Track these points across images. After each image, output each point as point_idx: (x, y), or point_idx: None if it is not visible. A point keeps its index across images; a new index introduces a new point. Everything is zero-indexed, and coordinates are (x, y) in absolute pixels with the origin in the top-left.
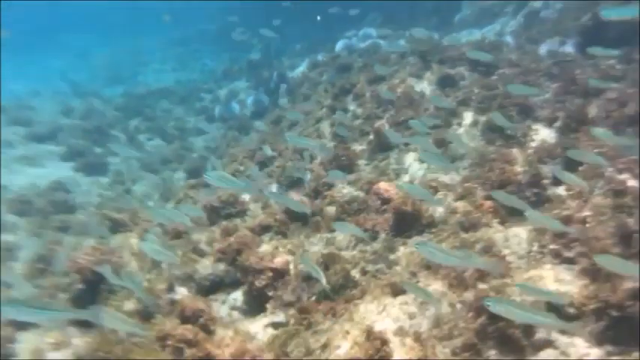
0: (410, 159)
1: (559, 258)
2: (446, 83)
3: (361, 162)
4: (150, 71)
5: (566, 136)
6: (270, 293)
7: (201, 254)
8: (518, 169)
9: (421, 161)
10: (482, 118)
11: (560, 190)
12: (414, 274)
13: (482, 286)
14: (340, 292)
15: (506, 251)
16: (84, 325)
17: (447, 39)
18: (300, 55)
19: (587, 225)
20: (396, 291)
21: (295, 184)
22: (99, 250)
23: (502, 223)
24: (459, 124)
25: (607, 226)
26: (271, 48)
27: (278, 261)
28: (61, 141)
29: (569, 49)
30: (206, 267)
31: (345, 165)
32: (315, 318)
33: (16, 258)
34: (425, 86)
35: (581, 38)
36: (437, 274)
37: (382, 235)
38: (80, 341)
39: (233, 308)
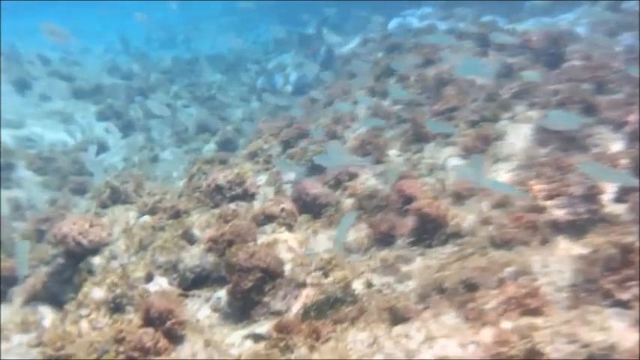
0: (447, 153)
1: (610, 299)
2: (502, 72)
3: (392, 152)
4: (203, 37)
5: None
6: (257, 298)
7: (192, 241)
8: (572, 177)
9: (461, 157)
10: (536, 114)
11: (621, 209)
12: (423, 298)
13: (505, 324)
14: (335, 307)
15: (543, 280)
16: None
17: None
18: (355, 32)
19: None
20: (396, 318)
21: (316, 169)
22: (87, 221)
23: (543, 242)
24: (511, 119)
25: None
26: (327, 23)
27: (269, 259)
28: (100, 99)
29: None
30: (194, 256)
31: (371, 154)
32: (294, 340)
33: (24, 218)
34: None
35: None
36: (452, 299)
37: (398, 241)
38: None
39: (216, 309)
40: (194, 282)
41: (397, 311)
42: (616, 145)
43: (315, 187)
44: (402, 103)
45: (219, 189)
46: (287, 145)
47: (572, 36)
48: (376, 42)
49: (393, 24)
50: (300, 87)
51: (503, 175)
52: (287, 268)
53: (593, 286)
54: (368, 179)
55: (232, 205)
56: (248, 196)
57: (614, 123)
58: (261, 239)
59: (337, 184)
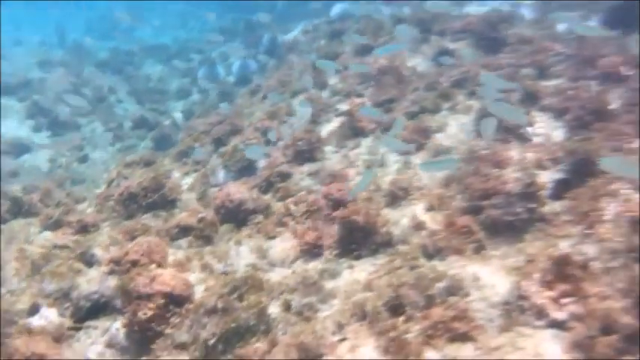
0: (385, 148)
1: (544, 319)
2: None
3: (328, 148)
4: (147, 27)
5: (577, 132)
6: (160, 328)
7: (92, 262)
8: (511, 174)
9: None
10: (477, 104)
11: (560, 207)
12: (341, 327)
13: (430, 354)
14: (245, 339)
15: (475, 295)
16: None
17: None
18: (305, 18)
19: (588, 271)
20: (308, 355)
21: (246, 170)
22: None
23: (478, 250)
24: (452, 109)
25: (616, 278)
26: (277, 10)
27: (174, 283)
28: (26, 96)
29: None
30: (91, 281)
31: (305, 151)
32: None
33: None
34: (419, 61)
35: (608, 14)
36: (373, 327)
37: (326, 253)
38: None
39: (110, 345)
40: (90, 311)
41: (309, 348)
42: (557, 133)
43: (240, 192)
44: (340, 94)
45: (132, 197)
46: (219, 143)
47: (515, 19)
48: (319, 30)
49: (336, 9)
50: (243, 77)
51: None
52: (198, 290)
53: (526, 304)
54: (302, 179)
55: (148, 215)
56: (168, 204)
57: (555, 110)
58: (174, 256)
59: (269, 185)
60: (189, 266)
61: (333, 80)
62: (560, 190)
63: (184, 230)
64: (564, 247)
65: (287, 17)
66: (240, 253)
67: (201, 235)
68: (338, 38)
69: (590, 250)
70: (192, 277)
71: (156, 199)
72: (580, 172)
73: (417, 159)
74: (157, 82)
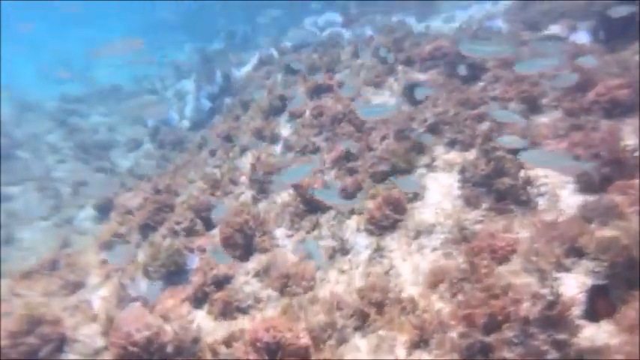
0: (351, 227)
1: None
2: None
3: (280, 232)
4: (103, 65)
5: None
6: None
7: None
8: (522, 279)
9: (370, 233)
10: (459, 158)
11: (602, 333)
12: None
13: None
14: None
15: None
16: None
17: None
18: (262, 46)
19: None
20: None
21: (175, 275)
22: None
23: None
24: (429, 167)
25: None
26: (237, 36)
27: None
28: None
29: (582, 37)
30: None
31: (241, 245)
32: None
33: None
34: (386, 99)
35: (599, 22)
36: None
37: None
38: None
39: None
40: None
41: None
42: (567, 193)
43: (143, 329)
44: (294, 150)
45: None
46: (147, 229)
47: (490, 34)
48: (273, 62)
49: (292, 37)
50: (199, 121)
51: (429, 255)
52: None
53: None
54: (247, 283)
55: None
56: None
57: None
58: None
59: (204, 296)
60: None
61: (285, 130)
62: (597, 304)
63: None
64: None
65: (251, 43)
66: None
67: None
68: (292, 73)
69: None
70: None
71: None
72: (619, 276)
73: (393, 242)
74: (107, 131)
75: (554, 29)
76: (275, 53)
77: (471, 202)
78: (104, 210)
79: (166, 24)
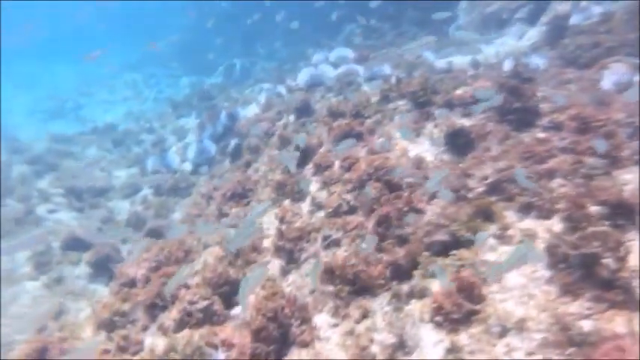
0: (414, 318)
1: None
2: (460, 143)
3: (321, 319)
4: (95, 103)
5: None
6: None
7: None
8: None
9: (438, 326)
10: (540, 227)
11: None
12: None
13: None
14: None
15: None
16: None
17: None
18: (266, 80)
19: None
20: None
21: None
22: None
23: None
24: (500, 238)
25: None
26: (236, 69)
27: None
28: None
29: None
30: None
31: (276, 338)
32: None
33: None
34: (426, 148)
35: None
36: None
37: None
38: None
39: None
40: None
41: None
42: None
43: None
44: (325, 209)
45: None
46: (155, 309)
47: (531, 71)
48: (284, 102)
49: (303, 76)
50: (203, 163)
51: None
52: None
53: None
54: None
55: None
56: None
57: None
58: None
59: None
60: None
61: (313, 186)
62: None
63: None
64: None
65: (250, 76)
66: None
67: None
68: (306, 114)
69: None
70: None
71: None
72: None
73: (472, 341)
74: (100, 176)
75: (615, 69)
76: (283, 91)
77: (569, 290)
78: (99, 267)
79: (162, 57)
